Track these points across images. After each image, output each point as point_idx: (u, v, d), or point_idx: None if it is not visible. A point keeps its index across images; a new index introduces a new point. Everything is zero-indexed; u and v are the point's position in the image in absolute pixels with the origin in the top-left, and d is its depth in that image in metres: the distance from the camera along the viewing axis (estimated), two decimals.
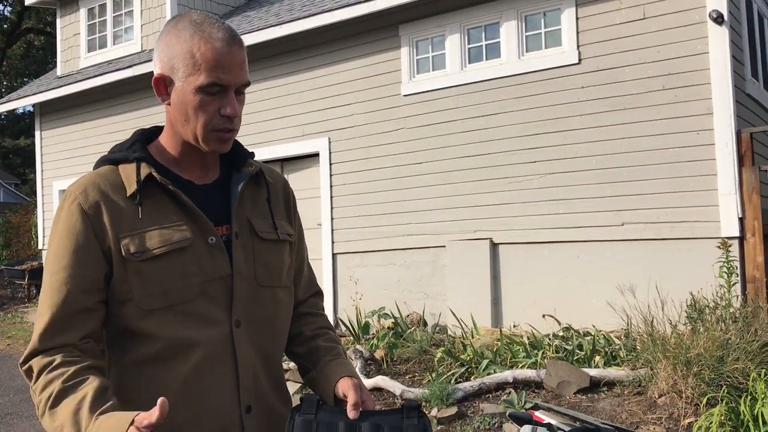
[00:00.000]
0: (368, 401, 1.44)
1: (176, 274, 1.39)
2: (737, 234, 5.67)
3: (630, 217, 6.22)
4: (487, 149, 6.99)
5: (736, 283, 5.32)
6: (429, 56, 7.46)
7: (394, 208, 7.57)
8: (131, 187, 1.40)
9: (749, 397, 4.00)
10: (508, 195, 6.86)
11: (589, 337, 5.68)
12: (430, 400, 5.07)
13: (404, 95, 7.52)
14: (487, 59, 7.11)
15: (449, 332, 6.83)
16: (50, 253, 1.39)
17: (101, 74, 9.74)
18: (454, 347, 6.09)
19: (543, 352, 5.54)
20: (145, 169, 1.41)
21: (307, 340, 1.62)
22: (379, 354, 6.17)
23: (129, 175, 1.42)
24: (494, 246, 6.97)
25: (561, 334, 6.08)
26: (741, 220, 5.69)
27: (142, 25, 10.24)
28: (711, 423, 3.98)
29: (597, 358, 5.35)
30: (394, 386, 5.38)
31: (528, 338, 5.93)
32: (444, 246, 7.24)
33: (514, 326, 6.61)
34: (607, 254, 6.33)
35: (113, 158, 1.47)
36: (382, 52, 7.70)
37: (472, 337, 6.32)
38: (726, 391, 4.12)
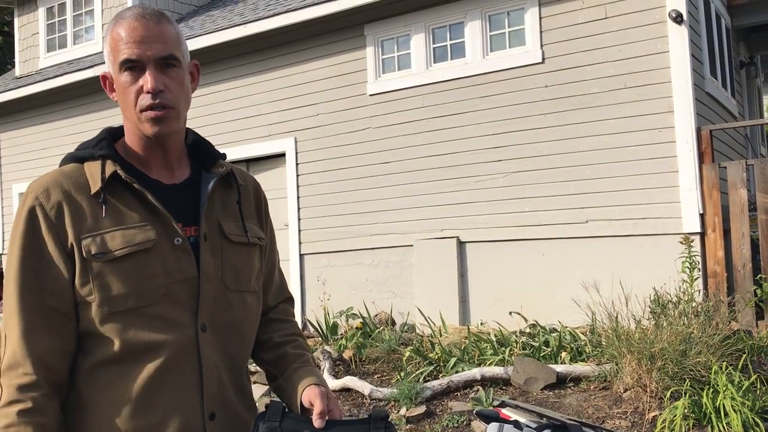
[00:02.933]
0: (335, 410, 1.41)
1: (139, 275, 1.35)
2: (698, 230, 5.77)
3: (594, 215, 6.29)
4: (452, 148, 7.02)
5: (698, 278, 5.42)
6: (394, 56, 7.46)
7: (361, 207, 7.56)
8: (95, 186, 1.37)
9: (711, 390, 4.08)
10: (473, 194, 6.89)
11: (555, 334, 5.74)
12: (398, 399, 5.07)
13: (370, 95, 7.51)
14: (452, 59, 7.14)
15: (418, 331, 6.84)
16: (12, 256, 1.35)
17: (61, 75, 9.55)
18: (423, 346, 6.10)
19: (510, 349, 5.58)
20: (110, 167, 1.38)
21: (275, 346, 1.59)
22: (347, 354, 6.15)
23: (94, 173, 1.39)
24: (461, 244, 7.00)
25: (528, 330, 6.14)
26: (702, 216, 5.79)
27: (103, 25, 10.07)
28: (675, 416, 4.05)
29: (563, 354, 5.41)
30: (363, 386, 5.37)
31: (495, 336, 5.97)
32: (411, 245, 7.25)
33: (482, 324, 6.65)
34: (572, 251, 6.40)
35: (79, 155, 1.43)
36: (347, 51, 7.68)
37: (441, 336, 6.34)
38: (689, 384, 4.19)
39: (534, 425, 1.68)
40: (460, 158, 6.97)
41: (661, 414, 4.19)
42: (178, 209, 1.42)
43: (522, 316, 6.38)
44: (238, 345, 1.47)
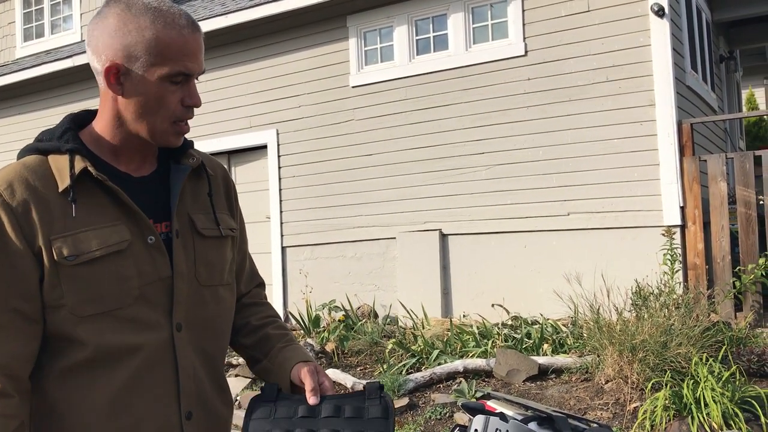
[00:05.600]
0: (326, 385, 1.40)
1: (113, 278, 1.28)
2: (679, 222, 5.82)
3: (576, 207, 6.32)
4: (435, 141, 7.01)
5: (678, 270, 5.46)
6: (377, 47, 7.43)
7: (343, 200, 7.53)
8: (64, 183, 1.28)
9: (692, 381, 4.12)
10: (456, 186, 6.89)
11: (537, 326, 5.76)
12: None
13: (353, 87, 7.48)
14: (435, 51, 7.12)
15: (400, 323, 6.84)
16: None
17: (39, 64, 9.41)
18: (405, 338, 6.10)
19: (492, 341, 5.59)
20: (79, 163, 1.29)
21: (255, 329, 1.56)
22: (329, 347, 6.13)
23: (61, 168, 1.29)
24: (443, 237, 7.00)
25: (510, 323, 6.16)
26: (682, 209, 5.84)
27: (81, 14, 9.93)
28: (656, 407, 4.08)
29: (545, 346, 5.43)
30: (345, 379, 5.36)
31: (477, 328, 5.98)
32: (394, 238, 7.24)
33: (464, 316, 6.66)
34: (554, 244, 6.42)
35: (42, 148, 1.33)
36: (330, 43, 7.63)
37: (423, 328, 6.34)
38: (670, 375, 4.23)
39: (520, 417, 1.67)
40: (443, 151, 6.97)
41: (642, 405, 4.22)
42: (147, 204, 1.36)
43: (504, 309, 6.40)
44: (213, 341, 1.44)
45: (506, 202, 6.64)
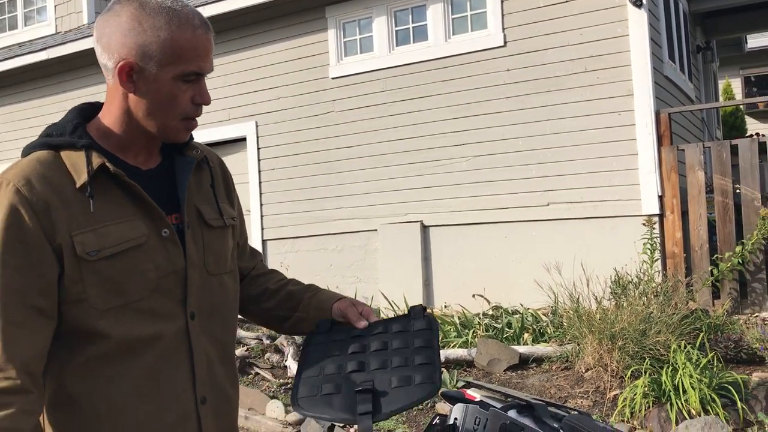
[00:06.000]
0: (368, 310, 1.51)
1: (132, 271, 1.31)
2: (657, 211, 5.86)
3: (555, 197, 6.35)
4: (415, 132, 7.00)
5: (657, 259, 5.51)
6: (356, 39, 7.40)
7: (324, 192, 7.50)
8: (80, 178, 1.29)
9: (670, 368, 4.16)
10: (437, 178, 6.89)
11: (517, 315, 5.79)
12: None
13: (332, 78, 7.44)
14: (414, 42, 7.10)
15: (382, 315, 6.84)
16: None
17: (11, 57, 9.26)
18: None
19: (473, 331, 5.61)
20: (96, 159, 1.30)
21: (275, 292, 1.62)
22: None
23: (76, 163, 1.31)
24: (425, 228, 7.01)
25: (491, 313, 6.18)
26: (661, 198, 5.88)
27: (55, 6, 9.79)
28: (635, 394, 4.12)
29: (526, 335, 5.46)
30: None
31: (459, 318, 6.00)
32: (375, 229, 7.23)
33: (446, 307, 6.67)
34: (534, 234, 6.45)
35: (54, 143, 1.33)
36: (308, 34, 7.59)
37: None
38: (649, 363, 4.27)
39: (499, 405, 1.67)
40: (424, 142, 6.96)
41: (621, 393, 4.26)
42: (157, 197, 1.38)
43: (485, 299, 6.43)
44: (222, 327, 1.48)
45: (486, 193, 6.65)
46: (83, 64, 8.52)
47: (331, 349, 1.46)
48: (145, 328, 1.33)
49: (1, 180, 1.28)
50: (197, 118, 1.41)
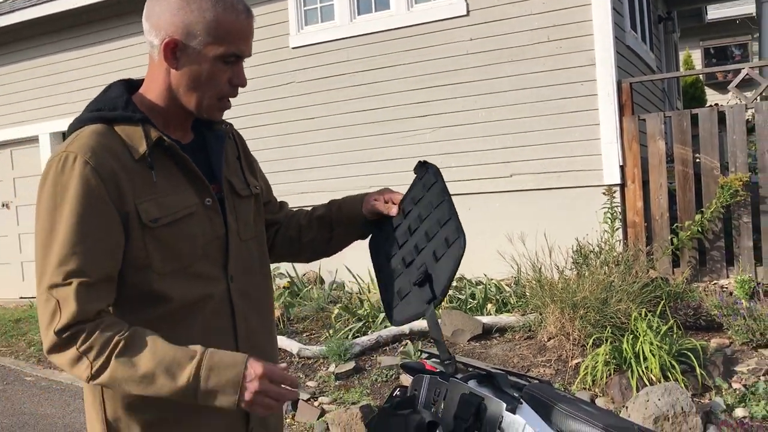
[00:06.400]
0: (393, 197, 1.68)
1: (186, 238, 1.43)
2: (618, 181, 5.89)
3: (518, 168, 6.34)
4: (378, 103, 6.91)
5: (618, 228, 5.55)
6: (317, 7, 7.24)
7: (286, 165, 7.39)
8: (139, 150, 1.40)
9: (631, 336, 4.20)
10: (400, 150, 6.83)
11: (481, 286, 5.80)
12: (327, 356, 5.03)
13: (293, 48, 7.29)
14: (376, 11, 6.98)
15: (347, 288, 6.80)
16: (63, 222, 1.32)
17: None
18: (351, 303, 6.08)
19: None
20: (153, 133, 1.41)
21: (307, 225, 1.76)
22: (275, 314, 6.06)
23: (132, 136, 1.41)
24: None
25: (454, 284, 6.18)
26: (622, 168, 5.91)
27: None
28: (597, 362, 4.15)
29: (489, 305, 5.48)
30: (291, 345, 5.31)
31: None
32: None
33: None
34: (497, 205, 6.45)
35: (109, 117, 1.42)
36: (268, 2, 7.41)
37: (369, 292, 6.32)
38: (610, 331, 4.30)
39: (460, 376, 1.64)
40: (386, 113, 6.88)
41: (583, 361, 4.29)
42: (199, 169, 1.49)
43: None
44: (255, 287, 1.59)
45: (450, 165, 6.61)
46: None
47: (388, 248, 1.62)
48: (198, 290, 1.45)
49: (66, 153, 1.35)
50: (231, 99, 1.50)
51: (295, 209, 1.86)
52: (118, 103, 1.44)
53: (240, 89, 1.53)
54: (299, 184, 7.32)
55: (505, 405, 1.55)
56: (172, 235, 1.41)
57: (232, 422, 1.51)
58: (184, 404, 1.38)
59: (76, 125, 1.42)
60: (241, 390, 1.30)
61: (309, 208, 1.81)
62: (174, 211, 1.42)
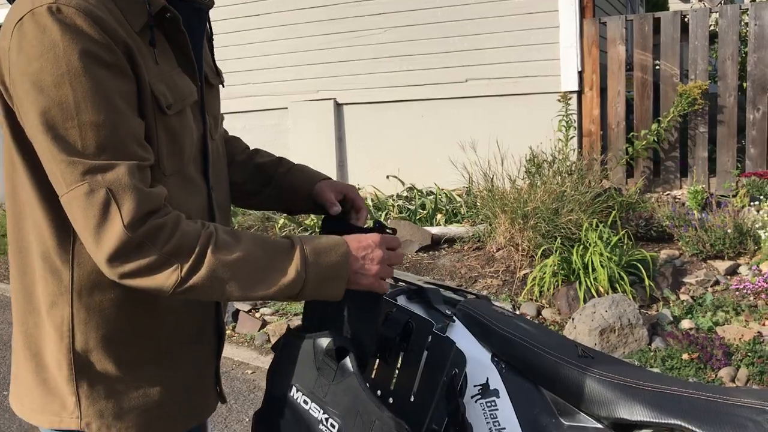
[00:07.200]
0: (354, 197, 1.48)
1: (185, 132, 1.14)
2: (576, 88, 5.67)
3: (474, 73, 6.06)
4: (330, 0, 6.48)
5: (573, 137, 5.38)
6: None
7: (230, 66, 6.94)
8: (138, 20, 1.07)
9: (581, 247, 4.08)
10: (352, 51, 6.46)
11: (431, 197, 5.63)
12: None
13: None
14: None
15: None
16: (79, 89, 0.97)
17: None
18: None
19: (387, 213, 5.43)
20: (157, 1, 1.09)
21: (242, 164, 1.48)
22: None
23: (131, 3, 1.07)
24: (338, 106, 6.64)
25: (405, 194, 6.00)
26: (580, 74, 5.67)
27: None
28: (545, 273, 4.04)
29: (439, 216, 5.32)
30: None
31: (372, 200, 5.80)
32: (286, 108, 6.82)
33: (360, 188, 6.45)
34: (452, 112, 6.20)
35: None
36: None
37: None
38: (560, 242, 4.18)
39: (387, 291, 1.43)
40: (339, 11, 6.46)
41: (531, 272, 4.18)
42: None
43: (399, 180, 6.22)
44: (226, 195, 1.36)
45: (404, 68, 6.29)
46: None
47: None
48: (189, 197, 1.16)
49: (49, 5, 0.98)
50: None
51: (228, 133, 1.57)
52: None
53: None
54: (243, 87, 6.94)
55: (434, 324, 1.37)
56: (180, 127, 1.12)
57: (207, 357, 1.28)
58: (167, 340, 1.18)
59: None
60: (362, 265, 1.14)
61: (245, 146, 1.55)
62: (183, 97, 1.13)
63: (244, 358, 4.04)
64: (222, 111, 1.44)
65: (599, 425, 1.29)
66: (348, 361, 1.19)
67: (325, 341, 1.22)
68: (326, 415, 1.19)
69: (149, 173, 1.04)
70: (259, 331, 4.32)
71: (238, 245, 1.05)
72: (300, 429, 1.24)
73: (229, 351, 4.06)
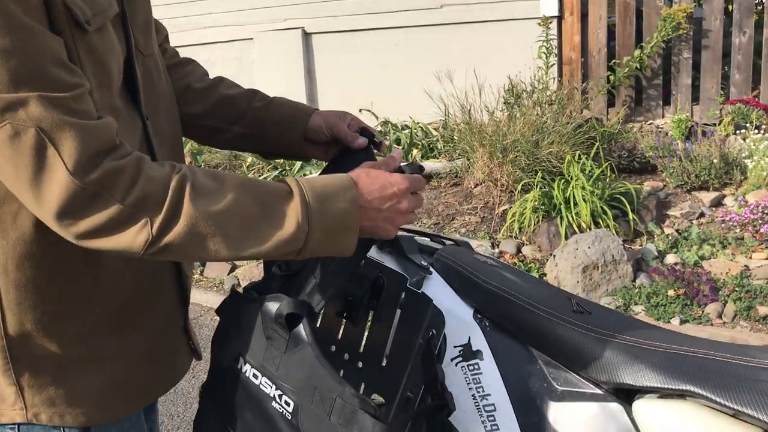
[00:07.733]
0: (355, 122, 1.29)
1: (112, 51, 0.93)
2: (556, 13, 5.39)
3: None
4: None
5: (553, 64, 5.14)
6: None
7: None
8: None
9: (563, 181, 3.91)
10: None
11: (406, 131, 5.40)
12: None
13: None
14: None
15: None
16: None
17: None
18: None
19: None
20: None
21: (201, 93, 1.25)
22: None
23: None
24: (307, 36, 6.31)
25: (379, 129, 5.76)
26: None
27: None
28: (525, 209, 3.88)
29: (414, 151, 5.11)
30: None
31: None
32: (251, 38, 6.47)
33: None
34: (427, 41, 5.90)
35: None
36: None
37: None
38: (541, 176, 4.00)
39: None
40: None
41: (511, 207, 4.01)
42: None
43: (373, 114, 5.97)
44: (171, 126, 1.11)
45: None
46: None
47: None
48: (124, 129, 0.93)
49: None
50: None
51: (179, 55, 1.34)
52: None
53: None
54: (205, 17, 6.55)
55: (408, 279, 1.19)
56: (104, 47, 0.91)
57: (169, 311, 1.11)
58: (116, 304, 0.99)
59: None
60: (385, 217, 0.97)
61: (203, 72, 1.33)
62: (103, 9, 0.91)
63: (214, 303, 3.87)
64: (182, 43, 1.19)
65: (598, 390, 1.13)
66: (302, 329, 1.00)
67: (274, 306, 1.03)
68: (279, 392, 1.01)
69: (89, 101, 0.84)
70: (228, 274, 4.15)
71: (221, 191, 0.86)
72: (252, 406, 1.06)
73: (197, 296, 3.88)
